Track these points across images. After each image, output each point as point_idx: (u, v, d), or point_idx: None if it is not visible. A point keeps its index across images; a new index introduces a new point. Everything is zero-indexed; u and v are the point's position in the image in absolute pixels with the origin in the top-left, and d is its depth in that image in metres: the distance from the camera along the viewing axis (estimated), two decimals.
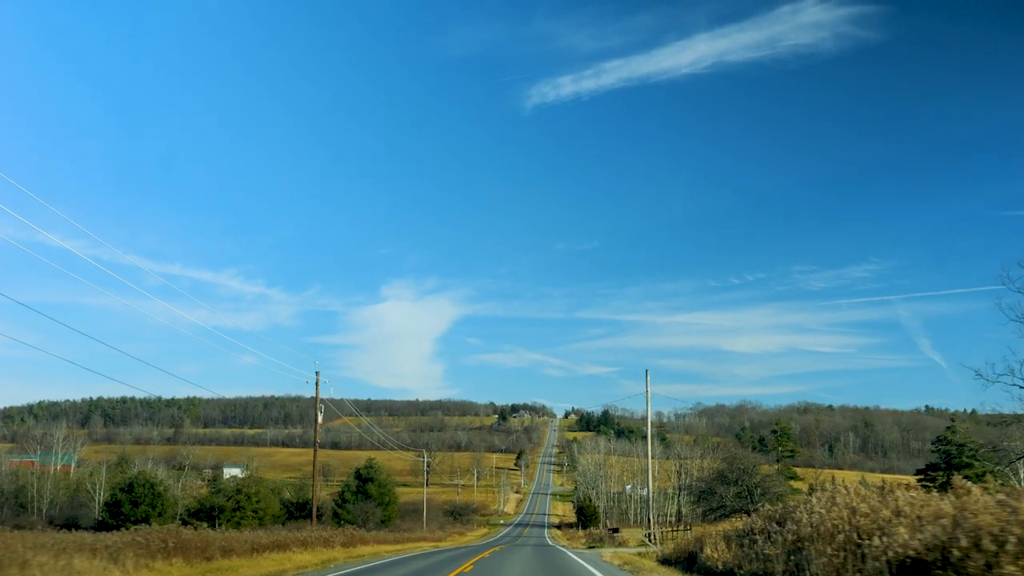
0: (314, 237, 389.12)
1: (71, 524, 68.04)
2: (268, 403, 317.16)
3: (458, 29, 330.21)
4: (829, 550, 12.10)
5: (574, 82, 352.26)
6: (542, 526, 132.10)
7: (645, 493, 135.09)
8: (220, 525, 73.15)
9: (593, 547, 46.22)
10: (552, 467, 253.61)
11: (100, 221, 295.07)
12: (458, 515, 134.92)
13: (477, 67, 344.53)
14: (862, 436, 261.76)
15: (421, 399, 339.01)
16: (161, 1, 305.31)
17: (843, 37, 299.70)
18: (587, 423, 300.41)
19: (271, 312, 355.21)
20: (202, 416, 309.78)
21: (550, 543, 68.46)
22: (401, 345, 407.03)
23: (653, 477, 46.24)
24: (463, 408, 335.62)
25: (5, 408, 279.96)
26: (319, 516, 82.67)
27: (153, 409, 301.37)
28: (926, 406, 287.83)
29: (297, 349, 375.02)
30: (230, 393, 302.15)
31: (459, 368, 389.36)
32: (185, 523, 76.23)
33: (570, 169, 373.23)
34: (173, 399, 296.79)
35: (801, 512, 16.24)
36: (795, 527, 14.51)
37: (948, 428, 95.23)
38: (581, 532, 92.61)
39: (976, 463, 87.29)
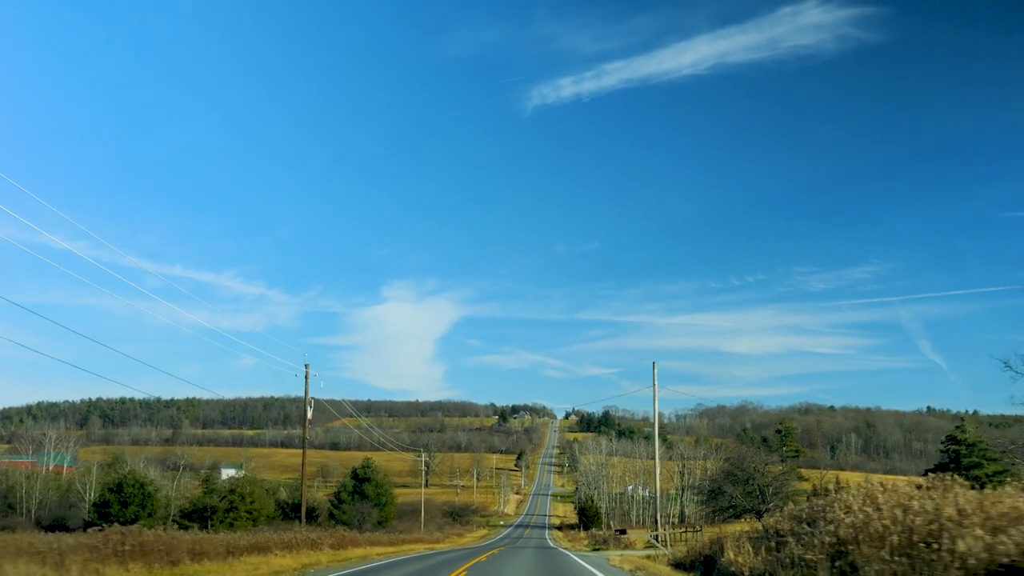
0: (314, 238, 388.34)
1: (59, 525, 66.38)
2: (268, 404, 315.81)
3: (459, 30, 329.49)
4: (883, 555, 10.26)
5: (575, 83, 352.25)
6: (543, 527, 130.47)
7: (647, 494, 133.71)
8: (212, 526, 71.49)
9: (598, 549, 44.10)
10: (552, 468, 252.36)
11: (100, 222, 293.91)
12: (457, 516, 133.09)
13: (478, 68, 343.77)
14: (864, 437, 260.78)
15: (421, 400, 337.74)
16: (161, 2, 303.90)
17: (844, 38, 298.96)
18: (587, 424, 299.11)
19: (271, 313, 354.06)
20: (201, 417, 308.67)
21: (551, 545, 66.54)
22: (401, 346, 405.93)
23: (659, 475, 44.41)
24: (463, 409, 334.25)
25: (4, 409, 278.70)
26: (315, 517, 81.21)
27: (152, 410, 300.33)
28: (928, 407, 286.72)
29: (297, 349, 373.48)
30: (230, 394, 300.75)
31: (459, 369, 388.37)
32: (178, 524, 74.87)
33: (570, 170, 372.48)
34: (172, 400, 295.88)
35: (836, 511, 14.37)
36: (832, 528, 12.66)
37: (957, 427, 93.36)
38: (583, 533, 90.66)
39: (986, 463, 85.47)
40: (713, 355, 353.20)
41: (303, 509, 40.89)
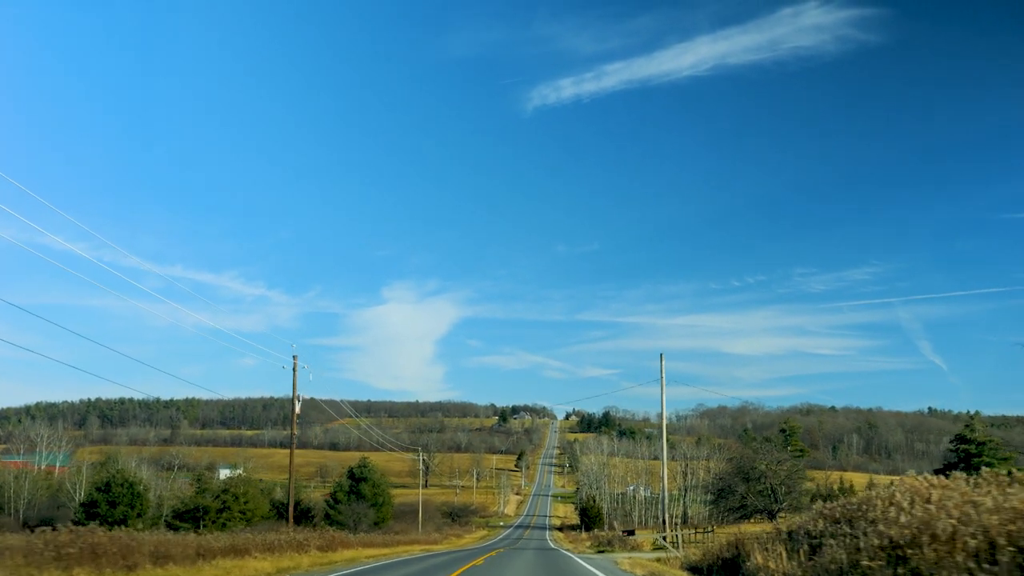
0: (315, 239, 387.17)
1: (46, 525, 64.68)
2: (267, 404, 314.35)
3: (459, 31, 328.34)
4: (959, 559, 8.43)
5: (575, 84, 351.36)
6: (543, 528, 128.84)
7: (648, 494, 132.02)
8: (205, 526, 69.75)
9: (603, 551, 42.04)
10: (553, 468, 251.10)
11: (100, 223, 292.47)
12: (456, 516, 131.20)
13: (478, 69, 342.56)
14: (866, 437, 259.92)
15: (421, 401, 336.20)
16: (162, 3, 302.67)
17: (844, 40, 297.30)
18: (588, 424, 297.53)
19: (272, 314, 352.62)
20: (200, 417, 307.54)
21: (553, 546, 64.61)
22: (402, 347, 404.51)
23: (667, 473, 42.51)
24: (463, 409, 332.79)
25: (3, 409, 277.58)
26: (311, 518, 79.48)
27: (151, 410, 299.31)
28: (929, 408, 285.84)
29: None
30: (229, 395, 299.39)
31: (460, 370, 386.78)
32: (169, 525, 73.12)
33: (571, 171, 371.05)
34: (171, 400, 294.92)
35: (878, 510, 12.47)
36: (882, 528, 10.80)
37: (967, 427, 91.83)
38: (584, 534, 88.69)
39: (997, 462, 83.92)
40: (714, 356, 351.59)
41: (290, 509, 38.99)
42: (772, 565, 12.59)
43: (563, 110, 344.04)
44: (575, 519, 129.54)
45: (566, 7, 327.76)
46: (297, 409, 34.80)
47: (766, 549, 13.75)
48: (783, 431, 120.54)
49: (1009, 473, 12.80)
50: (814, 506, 16.49)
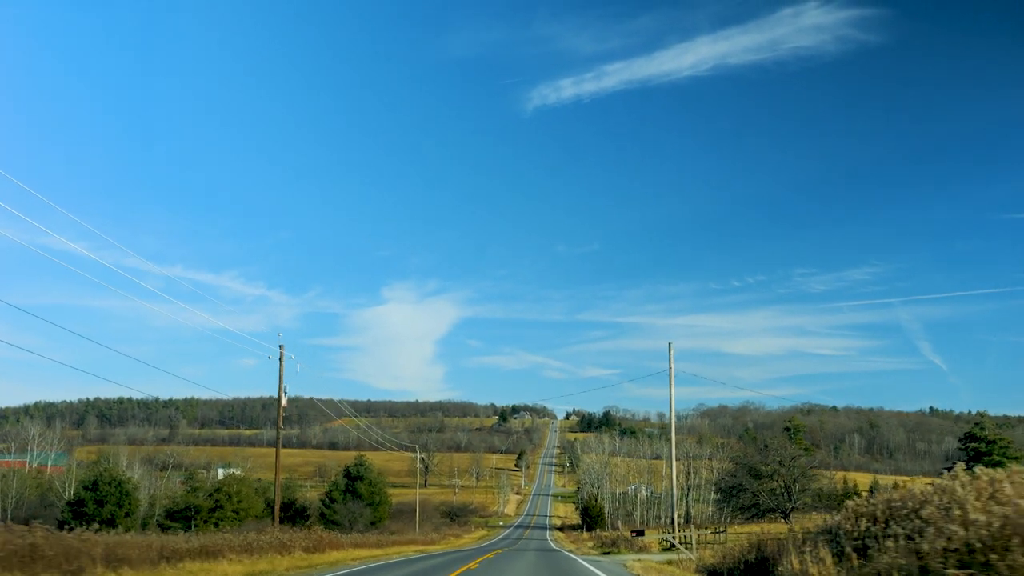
0: (315, 239, 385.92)
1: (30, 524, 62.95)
2: (267, 404, 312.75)
3: (459, 31, 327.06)
4: None
5: (575, 84, 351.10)
6: (543, 528, 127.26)
7: (649, 493, 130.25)
8: (196, 526, 68.09)
9: (608, 553, 39.93)
10: (553, 468, 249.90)
11: (101, 223, 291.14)
12: (455, 516, 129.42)
13: (478, 69, 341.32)
14: (867, 437, 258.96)
15: (421, 400, 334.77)
16: (162, 3, 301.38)
17: (844, 40, 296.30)
18: (588, 424, 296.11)
19: (272, 314, 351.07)
20: (199, 417, 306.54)
21: (554, 547, 62.68)
22: (402, 347, 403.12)
23: (675, 467, 40.62)
24: (463, 409, 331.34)
25: (2, 409, 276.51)
26: (306, 517, 77.79)
27: (150, 410, 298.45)
28: (930, 408, 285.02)
29: (296, 349, 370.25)
30: (229, 394, 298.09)
31: (460, 370, 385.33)
32: (161, 525, 71.40)
33: (571, 171, 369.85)
34: (170, 400, 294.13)
35: (941, 506, 10.63)
36: (957, 528, 8.97)
37: (976, 425, 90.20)
38: (586, 534, 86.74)
39: (1007, 461, 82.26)
40: (713, 356, 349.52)
41: (276, 507, 37.16)
42: (814, 571, 10.73)
43: (563, 110, 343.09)
44: (576, 519, 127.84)
45: (566, 7, 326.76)
46: (284, 402, 32.99)
47: (802, 552, 11.93)
48: (787, 429, 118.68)
49: None
50: (848, 503, 14.64)
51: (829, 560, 10.93)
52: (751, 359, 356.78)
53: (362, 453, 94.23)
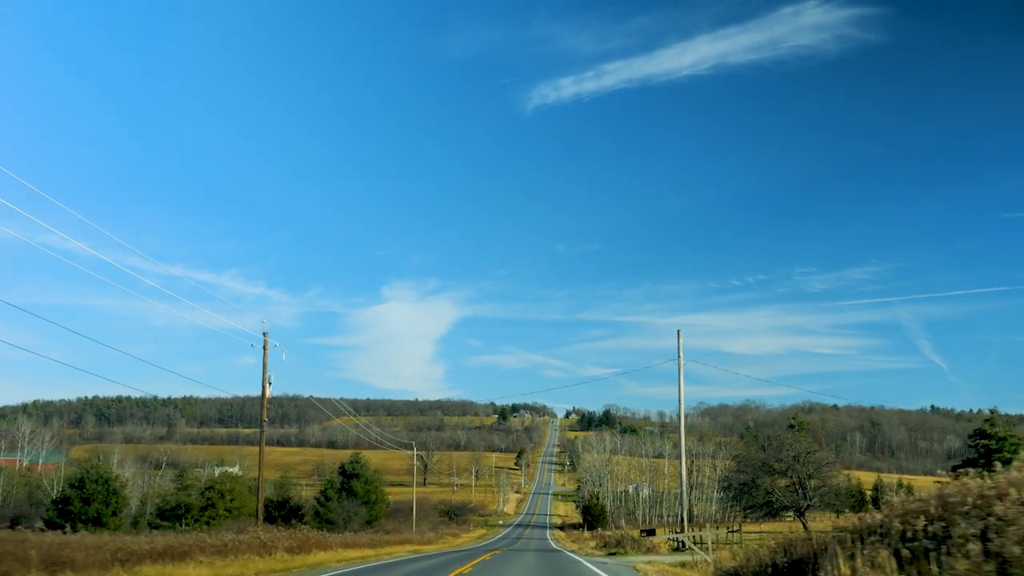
0: (315, 239, 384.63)
1: (18, 523, 61.23)
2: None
3: (459, 30, 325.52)
4: None
5: (575, 83, 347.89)
6: (544, 527, 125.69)
7: (651, 492, 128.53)
8: (187, 525, 66.40)
9: (614, 553, 37.91)
10: (553, 467, 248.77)
11: (101, 223, 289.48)
12: (454, 515, 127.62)
13: (478, 68, 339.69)
14: (869, 436, 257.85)
15: (421, 399, 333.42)
16: (162, 3, 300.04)
17: (844, 39, 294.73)
18: (588, 423, 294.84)
19: (272, 313, 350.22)
20: (198, 415, 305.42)
21: (555, 547, 60.83)
22: (402, 347, 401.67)
23: (684, 462, 38.81)
24: (463, 408, 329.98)
25: (0, 408, 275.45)
26: (300, 516, 76.08)
27: (148, 409, 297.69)
28: (932, 406, 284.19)
29: (296, 348, 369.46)
30: (229, 392, 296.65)
31: (460, 369, 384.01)
32: (151, 524, 69.72)
33: (571, 170, 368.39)
34: (169, 399, 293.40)
35: (1020, 501, 8.81)
36: None
37: (986, 421, 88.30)
38: (588, 533, 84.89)
39: (1018, 459, 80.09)
40: (713, 355, 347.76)
41: (260, 505, 35.37)
42: None
43: (563, 110, 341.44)
44: (576, 518, 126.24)
45: (566, 7, 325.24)
46: (268, 392, 31.18)
47: (852, 555, 10.09)
48: (792, 426, 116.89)
49: None
50: (892, 500, 12.80)
51: (890, 565, 9.09)
52: (751, 358, 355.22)
53: (360, 452, 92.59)
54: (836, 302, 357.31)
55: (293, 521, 68.83)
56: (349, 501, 72.02)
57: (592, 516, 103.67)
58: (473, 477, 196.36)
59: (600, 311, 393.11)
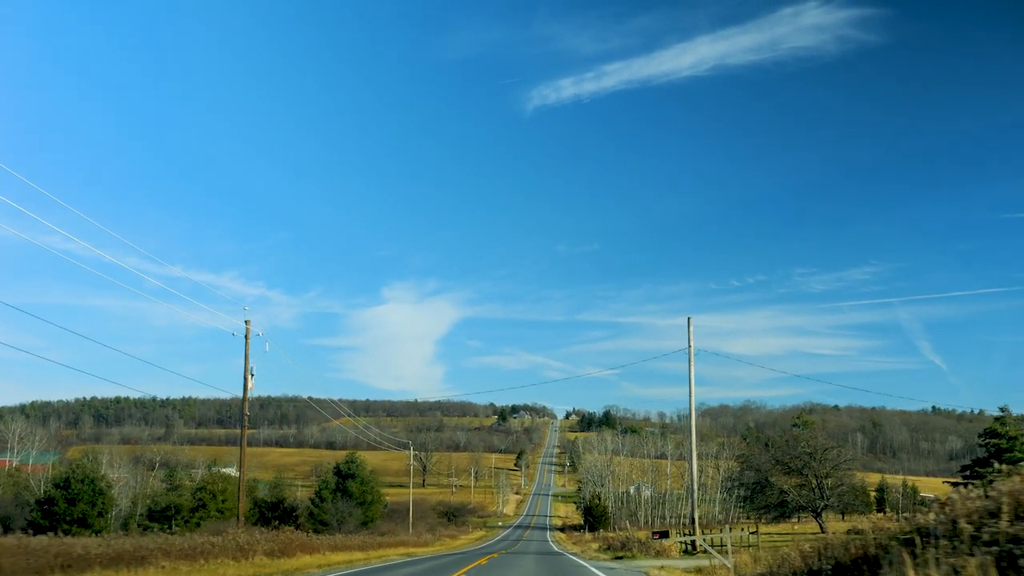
0: (315, 239, 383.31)
1: (2, 523, 59.43)
2: (264, 404, 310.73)
3: (459, 31, 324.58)
4: None
5: (575, 84, 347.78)
6: (544, 528, 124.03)
7: (652, 492, 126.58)
8: (176, 526, 64.61)
9: (621, 557, 35.83)
10: (553, 468, 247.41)
11: (101, 223, 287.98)
12: (453, 516, 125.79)
13: (478, 69, 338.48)
14: (870, 436, 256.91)
15: (420, 400, 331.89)
16: (162, 3, 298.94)
17: (844, 40, 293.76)
18: (588, 423, 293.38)
19: (272, 314, 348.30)
20: (197, 416, 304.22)
21: (557, 550, 58.91)
22: (402, 347, 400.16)
23: (695, 460, 36.88)
24: (463, 409, 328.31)
25: None
26: (295, 517, 74.24)
27: (147, 409, 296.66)
28: (933, 407, 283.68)
29: (296, 349, 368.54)
30: (229, 392, 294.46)
31: (459, 370, 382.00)
32: (142, 526, 67.90)
33: (571, 171, 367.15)
34: (168, 399, 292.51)
35: None
36: None
37: (997, 419, 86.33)
38: (589, 535, 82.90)
39: None
40: (713, 356, 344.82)
41: (240, 504, 33.47)
42: None
43: (563, 110, 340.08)
44: (577, 519, 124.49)
45: (566, 7, 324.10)
46: (250, 384, 29.31)
47: (921, 561, 8.19)
48: (796, 425, 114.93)
49: None
50: (952, 495, 10.93)
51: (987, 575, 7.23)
52: (751, 359, 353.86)
53: (357, 452, 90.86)
54: (836, 303, 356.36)
55: (287, 521, 66.99)
56: (344, 502, 70.22)
57: (594, 517, 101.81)
58: (472, 478, 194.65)
59: (600, 312, 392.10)
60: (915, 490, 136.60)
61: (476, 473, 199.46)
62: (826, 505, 40.03)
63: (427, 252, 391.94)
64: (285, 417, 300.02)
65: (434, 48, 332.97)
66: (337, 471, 78.34)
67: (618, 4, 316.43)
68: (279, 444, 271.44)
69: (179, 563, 17.72)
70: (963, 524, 9.88)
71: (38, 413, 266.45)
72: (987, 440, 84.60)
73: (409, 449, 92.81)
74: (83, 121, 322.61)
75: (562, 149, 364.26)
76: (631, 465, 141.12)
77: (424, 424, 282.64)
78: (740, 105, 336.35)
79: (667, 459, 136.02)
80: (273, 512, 72.78)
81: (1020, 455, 78.06)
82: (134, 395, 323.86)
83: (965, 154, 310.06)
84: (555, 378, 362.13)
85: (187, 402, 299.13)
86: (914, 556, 8.62)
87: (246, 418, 31.65)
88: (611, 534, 61.41)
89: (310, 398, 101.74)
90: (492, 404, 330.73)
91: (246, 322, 29.90)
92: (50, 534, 44.65)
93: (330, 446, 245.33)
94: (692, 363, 29.91)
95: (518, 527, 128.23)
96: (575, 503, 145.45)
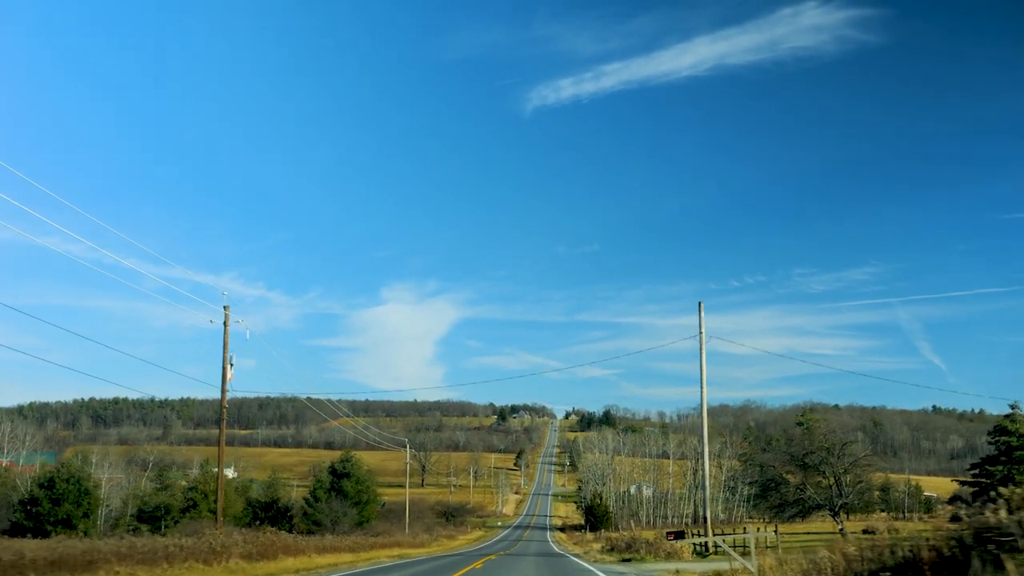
0: (315, 239, 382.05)
1: None
2: (264, 404, 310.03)
3: (459, 31, 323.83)
4: None
5: (574, 84, 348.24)
6: (544, 528, 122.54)
7: (653, 492, 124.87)
8: (167, 527, 62.81)
9: (629, 560, 33.74)
10: (553, 467, 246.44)
11: (101, 223, 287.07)
12: (451, 516, 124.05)
13: (478, 69, 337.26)
14: (871, 436, 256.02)
15: (420, 400, 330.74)
16: (163, 3, 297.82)
17: (843, 40, 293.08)
18: (588, 423, 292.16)
19: (271, 315, 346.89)
20: (195, 417, 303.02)
21: (558, 551, 57.10)
22: (401, 348, 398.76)
23: (708, 455, 35.16)
24: (462, 409, 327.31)
25: None
26: (288, 517, 72.48)
27: (145, 410, 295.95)
28: (933, 406, 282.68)
29: (296, 350, 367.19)
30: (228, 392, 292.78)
31: (459, 370, 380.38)
32: (131, 527, 66.11)
33: (571, 171, 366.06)
34: (166, 400, 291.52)
35: None
36: None
37: (1007, 417, 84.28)
38: (590, 535, 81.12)
39: None
40: (713, 356, 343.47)
41: (219, 506, 31.56)
42: None
43: (563, 110, 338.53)
44: (577, 519, 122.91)
45: (566, 7, 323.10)
46: (230, 375, 27.49)
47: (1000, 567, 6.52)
48: (800, 424, 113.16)
49: None
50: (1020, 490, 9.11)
51: None
52: (751, 359, 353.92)
53: (355, 452, 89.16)
54: (836, 303, 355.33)
55: (281, 522, 65.35)
56: (339, 502, 68.48)
57: (595, 517, 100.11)
58: (472, 477, 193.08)
59: (600, 312, 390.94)
60: (919, 489, 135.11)
61: (475, 473, 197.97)
62: (845, 503, 38.36)
63: (427, 252, 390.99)
64: (284, 417, 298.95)
65: (434, 48, 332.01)
66: (332, 470, 76.63)
67: (618, 4, 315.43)
68: (277, 444, 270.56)
69: (137, 569, 15.84)
70: None
71: (36, 414, 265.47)
72: (997, 438, 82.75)
73: (406, 448, 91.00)
74: (83, 121, 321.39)
75: (562, 149, 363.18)
76: (632, 464, 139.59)
77: (423, 424, 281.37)
78: (740, 105, 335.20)
79: (669, 458, 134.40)
80: (266, 512, 71.15)
81: None
82: (132, 396, 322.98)
83: (965, 153, 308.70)
84: (555, 376, 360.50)
85: (185, 403, 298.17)
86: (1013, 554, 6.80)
87: (224, 411, 29.85)
88: (614, 534, 59.51)
89: (308, 398, 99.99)
90: (492, 404, 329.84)
91: (225, 307, 28.12)
92: (29, 536, 42.71)
93: (328, 446, 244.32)
94: (703, 349, 28.24)
95: (518, 527, 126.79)
96: (575, 503, 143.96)
